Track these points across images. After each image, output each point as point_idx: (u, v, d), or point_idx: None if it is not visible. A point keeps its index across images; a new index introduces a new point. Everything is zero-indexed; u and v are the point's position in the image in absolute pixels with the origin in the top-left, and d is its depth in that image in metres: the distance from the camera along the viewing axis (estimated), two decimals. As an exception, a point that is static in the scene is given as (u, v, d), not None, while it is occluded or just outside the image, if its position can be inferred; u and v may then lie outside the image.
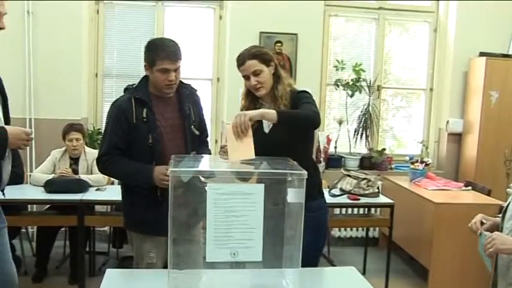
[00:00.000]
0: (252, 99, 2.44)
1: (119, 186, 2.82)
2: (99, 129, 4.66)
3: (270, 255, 1.84)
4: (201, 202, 1.77)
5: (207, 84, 5.01)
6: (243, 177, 1.99)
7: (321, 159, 4.72)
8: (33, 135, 2.20)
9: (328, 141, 4.85)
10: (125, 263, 4.14)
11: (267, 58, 2.38)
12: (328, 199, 3.21)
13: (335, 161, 4.95)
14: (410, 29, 5.43)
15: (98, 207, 3.91)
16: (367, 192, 3.98)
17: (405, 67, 5.46)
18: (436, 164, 5.30)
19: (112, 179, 3.79)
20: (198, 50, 4.96)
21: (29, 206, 4.16)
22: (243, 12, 4.78)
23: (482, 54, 4.90)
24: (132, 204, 2.50)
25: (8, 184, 2.32)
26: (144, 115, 2.39)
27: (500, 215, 2.20)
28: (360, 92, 5.00)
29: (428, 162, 4.61)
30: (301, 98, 2.34)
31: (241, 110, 2.41)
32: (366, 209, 4.48)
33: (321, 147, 4.75)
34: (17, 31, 4.40)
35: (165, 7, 4.90)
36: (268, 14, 4.78)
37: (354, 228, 4.99)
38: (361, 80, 4.95)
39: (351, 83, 4.93)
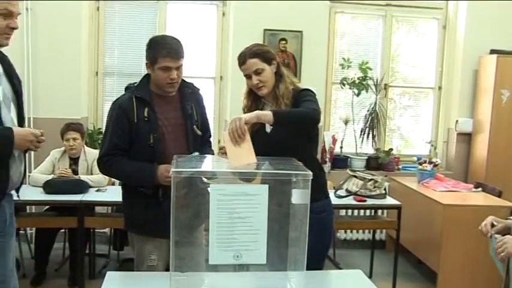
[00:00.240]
0: (254, 99, 2.43)
1: (120, 187, 2.82)
2: (99, 128, 4.64)
3: (274, 257, 1.83)
4: (203, 203, 1.75)
5: (209, 83, 4.99)
6: (247, 177, 1.97)
7: (327, 159, 4.69)
8: (44, 137, 2.13)
9: (334, 141, 4.81)
10: (126, 265, 4.11)
11: (269, 56, 2.36)
12: (334, 200, 3.18)
13: (341, 162, 4.92)
14: (419, 26, 5.37)
15: (98, 209, 3.92)
16: (373, 193, 3.94)
17: (413, 65, 5.41)
18: (445, 164, 5.23)
19: (113, 179, 3.79)
20: (201, 47, 4.93)
21: (27, 207, 4.11)
22: (247, 9, 4.74)
23: (493, 51, 4.85)
24: (132, 205, 2.48)
25: None
26: (146, 114, 2.36)
27: (511, 217, 2.21)
28: (367, 91, 4.96)
29: (436, 163, 4.56)
30: (302, 96, 2.33)
31: (243, 109, 2.43)
32: (373, 211, 4.44)
33: (327, 147, 4.72)
34: (16, 28, 4.36)
35: (167, 4, 4.87)
36: (272, 11, 4.74)
37: (360, 231, 4.96)
38: (367, 78, 4.91)
39: (357, 81, 4.88)
